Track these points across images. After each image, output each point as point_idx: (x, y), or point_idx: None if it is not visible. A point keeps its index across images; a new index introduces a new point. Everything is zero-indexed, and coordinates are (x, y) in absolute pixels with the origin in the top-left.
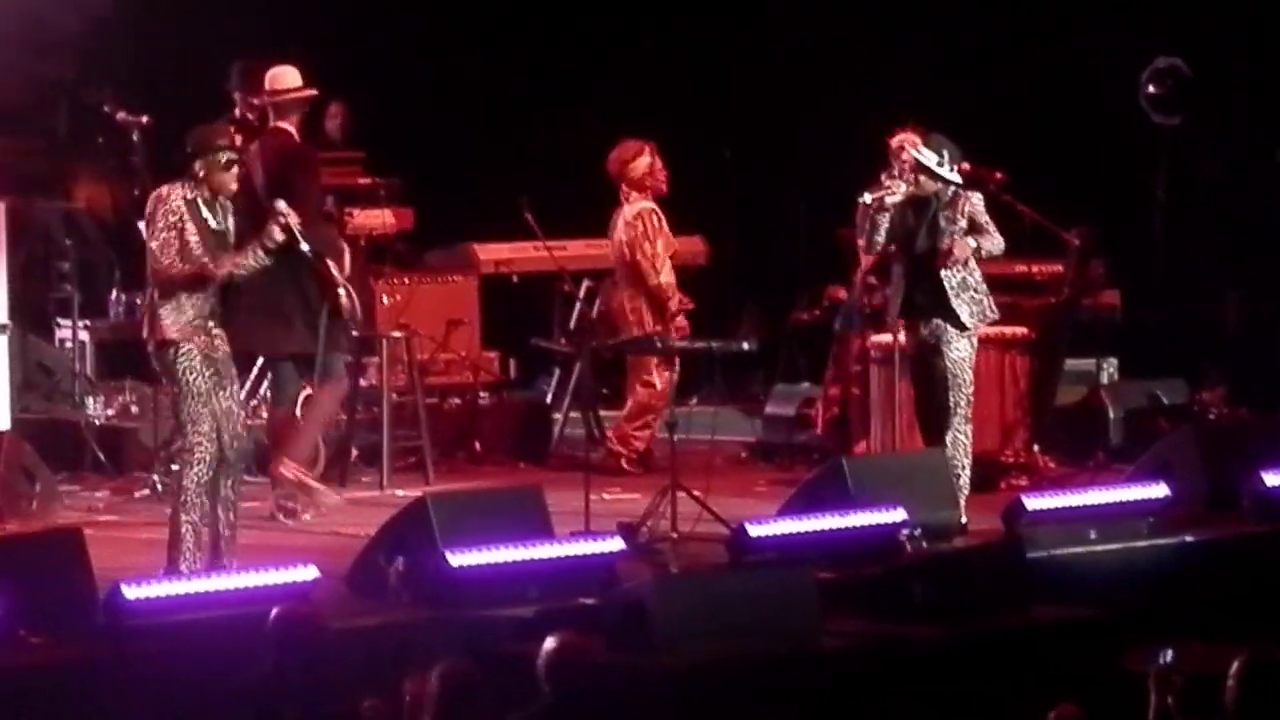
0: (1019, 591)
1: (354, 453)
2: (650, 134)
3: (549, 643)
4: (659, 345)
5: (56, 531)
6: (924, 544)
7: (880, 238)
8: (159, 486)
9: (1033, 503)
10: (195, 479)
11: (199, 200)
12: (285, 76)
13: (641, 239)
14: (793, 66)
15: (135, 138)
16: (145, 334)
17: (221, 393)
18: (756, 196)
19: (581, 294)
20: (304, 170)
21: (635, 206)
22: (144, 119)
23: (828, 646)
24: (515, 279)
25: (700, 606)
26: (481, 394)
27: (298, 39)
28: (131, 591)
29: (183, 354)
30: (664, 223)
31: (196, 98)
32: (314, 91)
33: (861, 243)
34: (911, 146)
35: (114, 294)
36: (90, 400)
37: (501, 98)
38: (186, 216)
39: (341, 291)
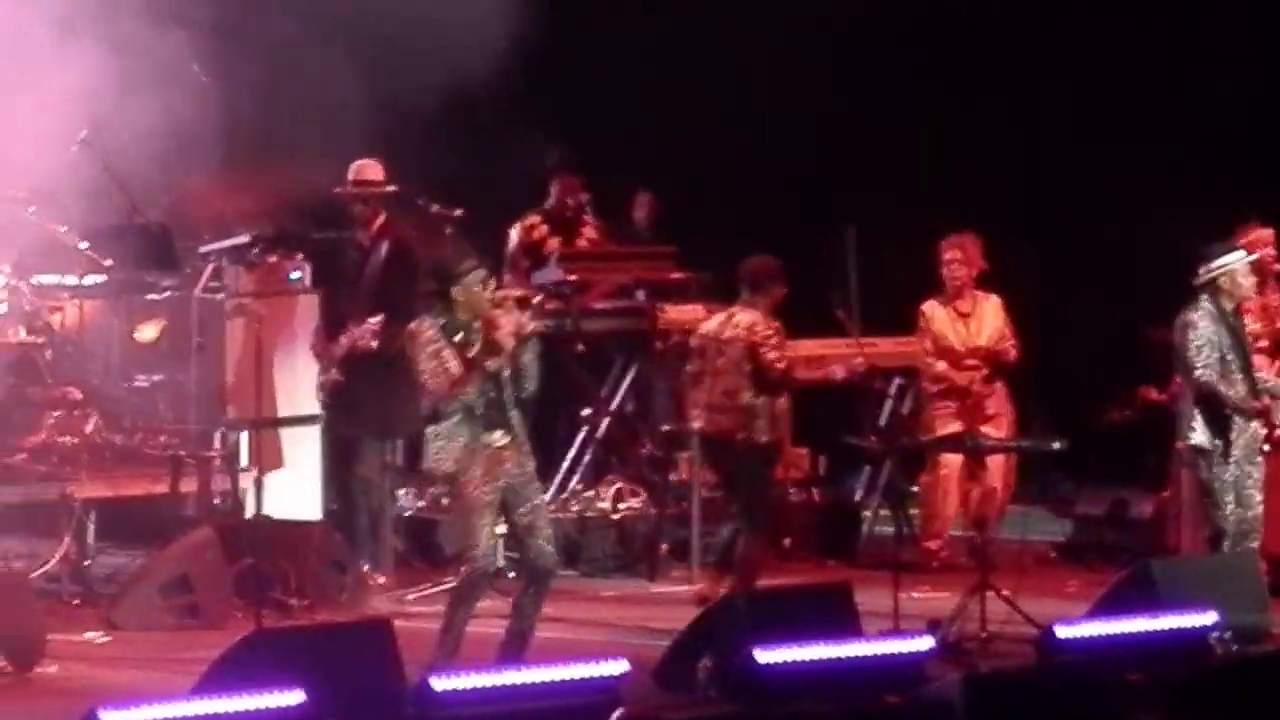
0: None
1: (663, 547)
2: (969, 229)
3: None
4: (969, 444)
5: (366, 621)
6: (1234, 647)
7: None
8: None
9: None
10: (466, 587)
11: (453, 326)
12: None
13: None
14: (1105, 163)
15: (449, 231)
16: (425, 464)
17: (520, 508)
18: (1065, 294)
19: (892, 391)
20: None
21: None
22: (457, 212)
23: None
24: None
25: (1008, 707)
26: (791, 490)
27: (607, 130)
28: (440, 683)
29: (465, 479)
30: (930, 321)
31: (505, 193)
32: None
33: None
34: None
35: None
36: (401, 493)
37: (815, 194)
38: (443, 343)
39: None
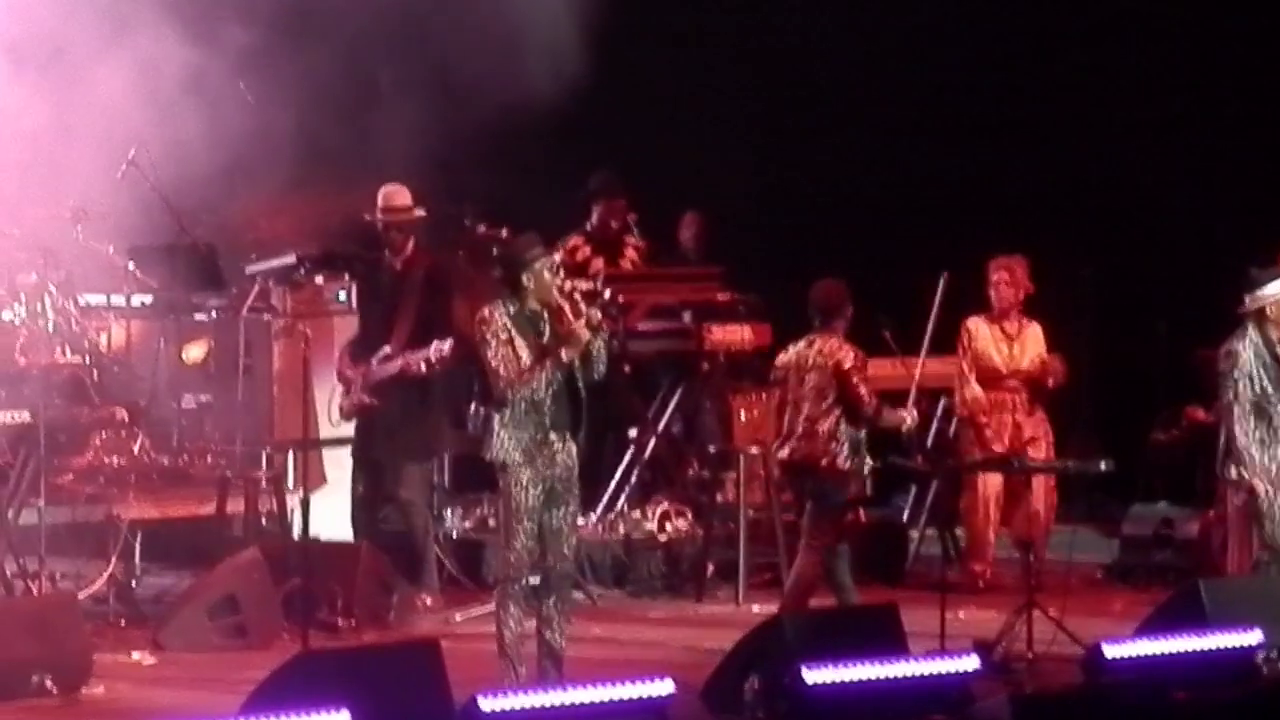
0: None
1: (710, 568)
2: (1014, 251)
3: None
4: (1015, 465)
5: (414, 642)
6: None
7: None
8: None
9: None
10: (504, 591)
11: (523, 315)
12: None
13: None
14: (1155, 184)
15: (495, 251)
16: (487, 454)
17: (555, 510)
18: (1116, 315)
19: (939, 411)
20: None
21: None
22: (503, 231)
23: None
24: None
25: None
26: None
27: (656, 151)
28: (488, 703)
29: (513, 471)
30: (973, 339)
31: (552, 210)
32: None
33: None
34: None
35: (472, 406)
36: (448, 513)
37: (865, 213)
38: (514, 331)
39: None
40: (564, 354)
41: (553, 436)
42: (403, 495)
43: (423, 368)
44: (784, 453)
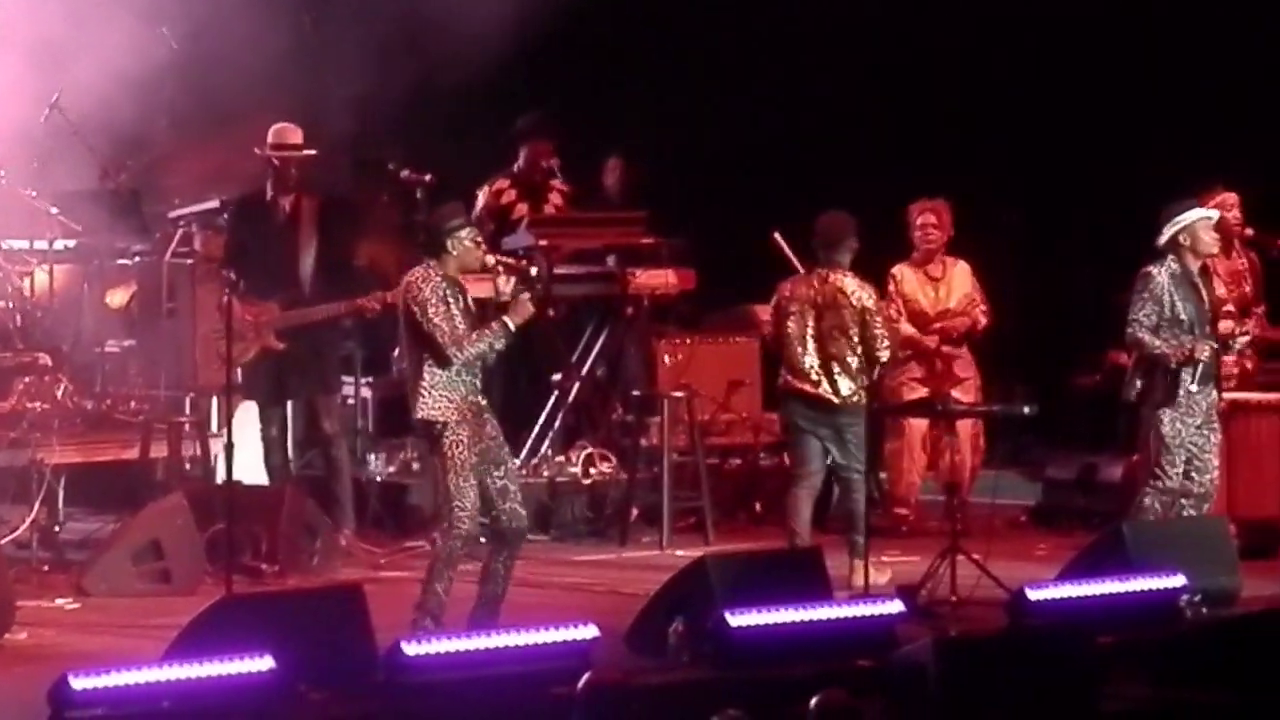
0: None
1: (634, 512)
2: (939, 193)
3: (816, 699)
4: (940, 409)
5: (337, 587)
6: (1204, 610)
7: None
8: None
9: None
10: (449, 551)
11: (449, 280)
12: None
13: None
14: (1081, 128)
15: (419, 195)
16: (416, 414)
17: (495, 470)
18: (1040, 260)
19: None
20: None
21: None
22: (427, 177)
23: (1107, 710)
24: None
25: (979, 670)
26: (762, 455)
27: (578, 95)
28: (412, 648)
29: (451, 431)
30: (899, 284)
31: (476, 156)
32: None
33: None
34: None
35: (396, 351)
36: (372, 457)
37: (789, 159)
38: (449, 294)
39: None
40: (510, 321)
41: (482, 400)
42: (327, 429)
43: (376, 307)
44: (806, 386)
